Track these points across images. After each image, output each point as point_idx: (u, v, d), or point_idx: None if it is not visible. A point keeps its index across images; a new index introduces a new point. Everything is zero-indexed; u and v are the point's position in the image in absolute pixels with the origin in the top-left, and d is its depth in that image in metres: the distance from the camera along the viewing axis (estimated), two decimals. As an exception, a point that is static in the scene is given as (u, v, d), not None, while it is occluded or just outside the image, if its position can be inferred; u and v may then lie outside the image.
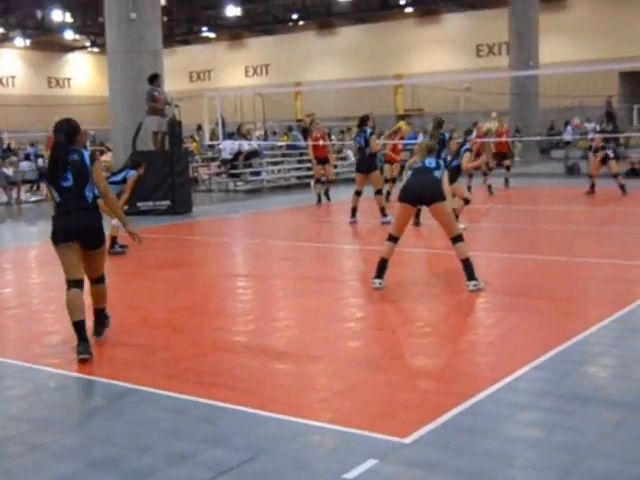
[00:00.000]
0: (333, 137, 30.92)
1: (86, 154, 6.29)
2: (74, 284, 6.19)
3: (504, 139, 21.06)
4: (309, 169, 25.79)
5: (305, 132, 28.04)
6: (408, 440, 4.35)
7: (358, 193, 14.24)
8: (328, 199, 18.44)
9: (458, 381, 5.38)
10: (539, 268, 9.61)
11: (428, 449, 4.26)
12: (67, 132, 6.26)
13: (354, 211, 14.21)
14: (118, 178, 11.35)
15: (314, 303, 8.03)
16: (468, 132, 16.79)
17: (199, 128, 27.94)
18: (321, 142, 18.81)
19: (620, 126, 31.11)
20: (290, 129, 28.24)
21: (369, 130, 14.15)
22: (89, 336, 6.28)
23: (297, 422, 4.67)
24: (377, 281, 8.46)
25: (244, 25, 49.53)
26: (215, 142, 24.17)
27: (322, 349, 6.26)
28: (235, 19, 47.17)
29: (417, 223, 13.02)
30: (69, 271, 6.21)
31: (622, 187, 17.78)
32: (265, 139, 28.09)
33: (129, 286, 8.70)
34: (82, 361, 6.00)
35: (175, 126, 17.01)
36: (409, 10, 44.76)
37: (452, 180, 12.85)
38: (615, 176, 18.01)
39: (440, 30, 44.57)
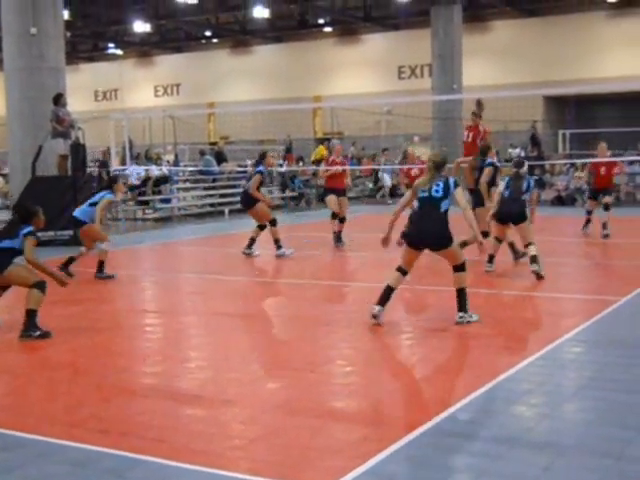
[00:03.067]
0: (249, 162, 31.00)
1: (24, 231, 8.11)
2: None
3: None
4: (222, 196, 25.78)
5: (219, 156, 27.98)
6: (329, 490, 4.34)
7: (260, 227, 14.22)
8: None
9: (381, 425, 5.40)
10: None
11: (350, 499, 4.26)
12: (23, 215, 8.32)
13: (251, 242, 14.09)
14: (95, 199, 12.06)
15: (228, 341, 7.98)
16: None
17: (107, 152, 27.60)
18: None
19: (545, 152, 32.03)
20: (202, 153, 28.10)
21: (261, 167, 14.26)
22: None
23: (211, 473, 4.60)
24: (377, 307, 8.21)
25: (153, 42, 49.23)
26: (121, 167, 23.88)
27: (237, 392, 6.21)
28: (144, 35, 46.86)
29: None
30: None
31: None
32: (176, 164, 27.90)
33: (27, 324, 8.49)
34: None
35: (79, 149, 16.79)
36: (328, 30, 45.23)
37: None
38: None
39: (360, 51, 45.15)
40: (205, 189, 26.37)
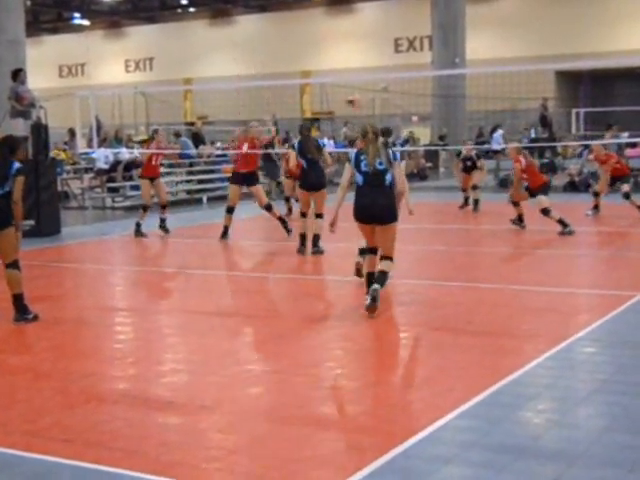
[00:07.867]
0: (219, 144, 31.01)
1: (15, 168, 8.36)
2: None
3: None
4: (200, 182, 25.74)
5: (196, 138, 27.94)
6: (315, 505, 4.36)
7: None
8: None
9: (373, 433, 5.41)
10: (465, 297, 9.78)
11: (338, 514, 4.27)
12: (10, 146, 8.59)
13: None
14: None
15: (206, 342, 7.98)
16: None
17: (71, 133, 27.55)
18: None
19: (557, 133, 32.03)
20: (178, 134, 28.04)
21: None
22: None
23: (185, 486, 4.63)
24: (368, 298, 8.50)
25: (124, 11, 49.12)
26: (88, 150, 23.84)
27: (215, 397, 6.21)
28: (113, 4, 46.79)
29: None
30: None
31: (475, 202, 18.55)
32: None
33: (-17, 324, 8.47)
34: None
35: (40, 131, 16.74)
36: (318, -3, 45.29)
37: None
38: (474, 187, 18.68)
39: (354, 21, 45.12)
40: (181, 174, 26.31)
